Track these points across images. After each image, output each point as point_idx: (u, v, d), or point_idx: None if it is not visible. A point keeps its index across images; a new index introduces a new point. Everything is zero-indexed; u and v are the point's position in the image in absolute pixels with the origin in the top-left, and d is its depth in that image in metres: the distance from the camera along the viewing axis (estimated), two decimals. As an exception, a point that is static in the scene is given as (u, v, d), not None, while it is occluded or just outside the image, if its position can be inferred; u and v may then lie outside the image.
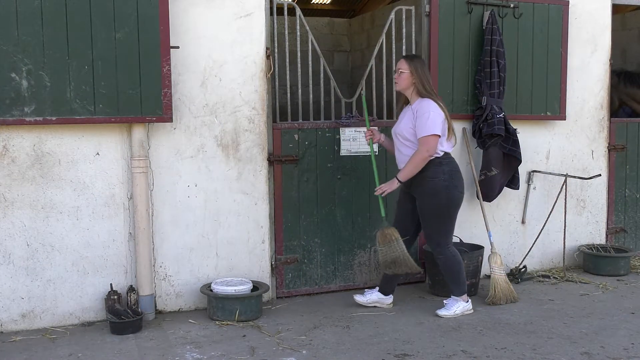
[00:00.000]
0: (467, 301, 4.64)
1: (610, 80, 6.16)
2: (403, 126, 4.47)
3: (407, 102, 4.58)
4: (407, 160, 4.42)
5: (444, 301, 4.68)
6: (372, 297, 4.79)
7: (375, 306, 4.76)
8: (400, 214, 4.70)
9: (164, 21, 4.32)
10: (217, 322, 4.44)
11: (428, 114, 4.32)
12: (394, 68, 5.49)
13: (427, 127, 4.31)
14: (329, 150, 5.10)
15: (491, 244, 5.11)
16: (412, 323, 4.44)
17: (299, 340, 4.13)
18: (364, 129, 5.17)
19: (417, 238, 4.84)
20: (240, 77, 4.73)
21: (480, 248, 5.23)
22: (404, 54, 5.31)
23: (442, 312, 4.58)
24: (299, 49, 5.02)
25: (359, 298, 4.78)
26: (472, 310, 4.63)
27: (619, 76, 6.46)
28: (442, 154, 4.43)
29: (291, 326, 4.39)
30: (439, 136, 4.34)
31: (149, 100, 4.33)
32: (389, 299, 4.81)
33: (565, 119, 5.80)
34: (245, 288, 4.53)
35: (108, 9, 4.19)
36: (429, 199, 4.45)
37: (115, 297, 4.40)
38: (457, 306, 4.58)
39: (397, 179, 4.43)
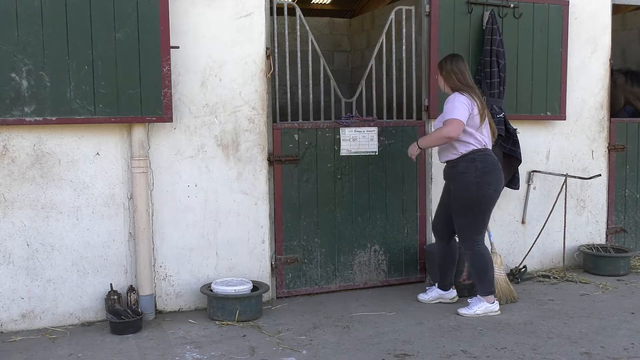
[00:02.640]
0: (493, 302, 4.59)
1: (615, 79, 6.18)
2: (439, 120, 4.61)
3: None
4: (445, 152, 4.55)
5: (468, 300, 4.67)
6: (433, 294, 4.86)
7: (440, 302, 4.83)
8: (440, 207, 4.80)
9: (164, 21, 4.32)
10: (217, 322, 4.44)
11: (452, 103, 4.41)
12: (393, 68, 5.53)
13: (448, 112, 4.39)
14: (329, 150, 5.10)
15: (491, 243, 5.11)
16: (412, 323, 4.44)
17: (299, 340, 4.13)
18: (366, 128, 5.19)
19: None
20: (240, 77, 4.73)
21: (480, 248, 5.23)
22: (404, 54, 5.33)
23: (462, 311, 4.57)
24: (299, 49, 5.02)
25: (422, 297, 4.89)
26: (498, 312, 4.58)
27: (625, 75, 6.46)
28: (474, 148, 4.44)
29: (291, 326, 4.40)
30: (463, 123, 4.35)
31: (149, 100, 4.33)
32: (451, 293, 4.85)
33: (565, 119, 5.80)
34: (245, 288, 4.53)
35: (108, 9, 4.19)
36: (460, 193, 4.51)
37: (115, 297, 4.40)
38: (480, 306, 4.55)
39: (417, 143, 4.61)
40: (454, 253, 4.81)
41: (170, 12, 4.35)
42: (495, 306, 4.59)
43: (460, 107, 4.36)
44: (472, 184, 4.44)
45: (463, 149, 4.46)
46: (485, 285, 4.58)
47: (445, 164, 4.66)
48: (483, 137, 4.49)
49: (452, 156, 4.52)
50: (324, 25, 8.04)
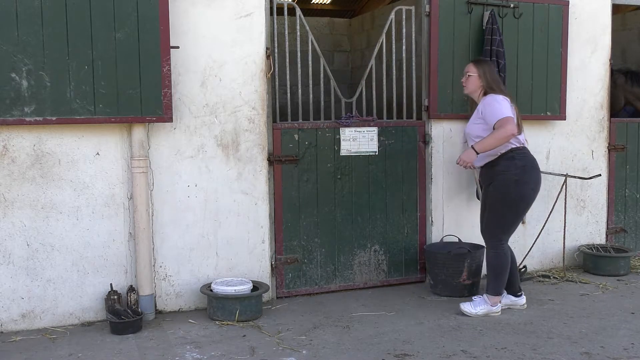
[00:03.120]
0: (496, 305, 4.56)
1: (615, 79, 6.17)
2: (472, 125, 4.56)
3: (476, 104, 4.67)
4: (482, 157, 4.45)
5: (473, 297, 4.66)
6: (504, 300, 4.70)
7: (509, 308, 4.70)
8: (482, 213, 4.71)
9: (164, 21, 4.32)
10: (217, 322, 4.44)
11: (494, 102, 4.38)
12: (393, 68, 5.52)
13: (498, 112, 4.34)
14: (329, 150, 5.09)
15: None
16: (412, 323, 4.44)
17: (299, 340, 4.13)
18: (366, 128, 5.18)
19: None
20: (240, 77, 4.73)
21: (481, 248, 5.23)
22: (404, 54, 5.33)
23: (466, 308, 4.53)
24: (299, 49, 5.02)
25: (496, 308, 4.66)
26: (499, 313, 4.57)
27: (625, 75, 6.47)
28: (513, 146, 4.42)
29: (291, 326, 4.39)
30: (513, 119, 4.32)
31: (149, 100, 4.33)
32: (522, 299, 4.74)
33: (565, 119, 5.80)
34: (245, 288, 4.53)
35: (108, 9, 4.19)
36: (498, 191, 4.45)
37: (115, 297, 4.40)
38: (483, 307, 4.53)
39: (474, 148, 4.41)
40: (513, 255, 4.71)
41: (170, 12, 4.35)
42: (498, 308, 4.58)
43: (506, 106, 4.36)
44: (511, 182, 4.40)
45: (502, 148, 4.42)
46: (498, 285, 4.54)
47: (479, 168, 4.63)
48: (520, 139, 4.47)
49: (492, 157, 4.48)
50: (324, 25, 8.04)
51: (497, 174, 4.46)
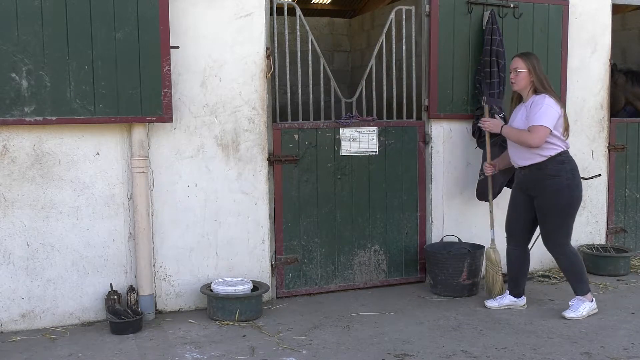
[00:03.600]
0: (592, 300, 4.55)
1: (615, 79, 6.17)
2: (517, 123, 4.47)
3: (519, 99, 4.57)
4: (527, 155, 4.39)
5: (570, 302, 4.57)
6: (504, 301, 4.72)
7: (509, 308, 4.71)
8: (516, 214, 4.63)
9: (164, 21, 4.32)
10: (217, 322, 4.44)
11: (542, 105, 4.29)
12: (393, 68, 5.52)
13: (538, 117, 4.27)
14: (329, 150, 5.09)
15: (492, 240, 5.07)
16: (412, 323, 4.44)
17: (299, 340, 4.13)
18: (366, 128, 5.18)
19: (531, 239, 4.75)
20: (240, 77, 4.73)
21: (481, 247, 5.23)
22: (404, 54, 5.32)
23: (569, 315, 4.46)
24: (299, 49, 5.02)
25: (490, 303, 4.73)
26: (597, 310, 4.56)
27: (626, 75, 6.47)
28: (561, 150, 4.37)
29: (291, 326, 4.39)
30: (550, 130, 4.27)
31: (149, 100, 4.33)
32: (522, 300, 4.74)
33: (565, 119, 5.80)
34: (245, 288, 4.53)
35: (108, 9, 4.19)
36: (551, 197, 4.37)
37: (115, 297, 4.40)
38: (584, 307, 4.49)
39: (503, 127, 4.51)
40: (529, 259, 4.73)
41: (170, 12, 4.35)
42: (595, 304, 4.56)
43: (550, 113, 4.27)
44: (564, 187, 4.34)
45: (551, 151, 4.34)
46: (584, 285, 4.52)
47: (520, 168, 4.53)
48: (567, 142, 4.44)
49: (539, 158, 4.37)
50: (324, 25, 8.04)
51: (547, 177, 4.36)
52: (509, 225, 4.74)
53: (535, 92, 4.42)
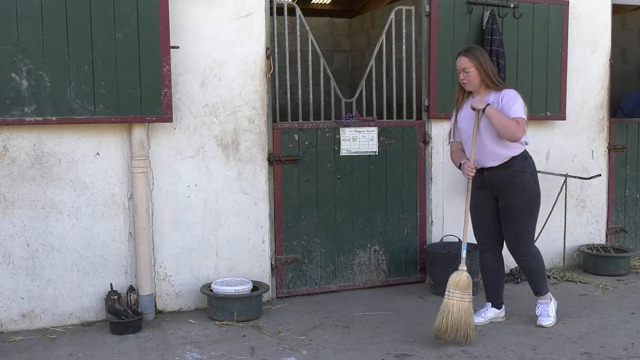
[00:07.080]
0: (551, 297, 4.46)
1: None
2: (470, 120, 4.17)
3: (467, 95, 4.28)
4: (497, 154, 4.14)
5: (537, 312, 4.40)
6: (489, 314, 4.44)
7: (491, 322, 4.43)
8: (487, 220, 4.34)
9: (164, 21, 4.32)
10: (217, 322, 4.44)
11: (517, 100, 4.09)
12: (393, 68, 5.52)
13: (519, 110, 4.07)
14: (329, 150, 5.10)
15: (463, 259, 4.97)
16: (412, 323, 4.44)
17: (299, 340, 4.13)
18: (366, 128, 5.18)
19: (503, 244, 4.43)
20: (240, 77, 4.74)
21: (480, 248, 5.23)
22: (404, 54, 5.32)
23: (545, 322, 4.33)
24: (299, 49, 5.02)
25: (477, 319, 4.29)
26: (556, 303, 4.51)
27: None
28: (524, 147, 4.24)
29: (291, 326, 4.40)
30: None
31: (149, 100, 4.33)
32: (503, 310, 4.52)
33: (565, 119, 5.80)
34: (245, 288, 4.53)
35: (108, 9, 4.19)
36: (519, 195, 4.17)
37: (115, 297, 4.40)
38: (551, 308, 4.41)
39: (487, 106, 4.02)
40: (503, 264, 4.49)
41: (170, 12, 4.35)
42: (553, 299, 4.50)
43: (524, 109, 4.12)
44: (530, 183, 4.20)
45: (517, 150, 4.19)
46: (545, 282, 4.43)
47: (483, 170, 4.23)
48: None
49: (511, 153, 4.17)
50: (324, 25, 8.04)
51: (514, 175, 4.16)
52: (479, 233, 4.42)
53: (489, 88, 4.17)
